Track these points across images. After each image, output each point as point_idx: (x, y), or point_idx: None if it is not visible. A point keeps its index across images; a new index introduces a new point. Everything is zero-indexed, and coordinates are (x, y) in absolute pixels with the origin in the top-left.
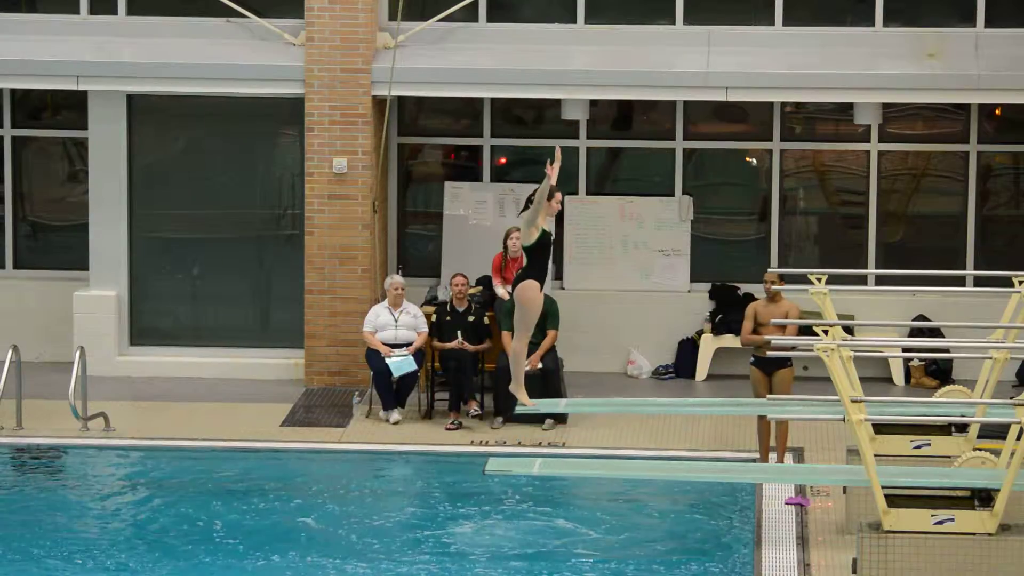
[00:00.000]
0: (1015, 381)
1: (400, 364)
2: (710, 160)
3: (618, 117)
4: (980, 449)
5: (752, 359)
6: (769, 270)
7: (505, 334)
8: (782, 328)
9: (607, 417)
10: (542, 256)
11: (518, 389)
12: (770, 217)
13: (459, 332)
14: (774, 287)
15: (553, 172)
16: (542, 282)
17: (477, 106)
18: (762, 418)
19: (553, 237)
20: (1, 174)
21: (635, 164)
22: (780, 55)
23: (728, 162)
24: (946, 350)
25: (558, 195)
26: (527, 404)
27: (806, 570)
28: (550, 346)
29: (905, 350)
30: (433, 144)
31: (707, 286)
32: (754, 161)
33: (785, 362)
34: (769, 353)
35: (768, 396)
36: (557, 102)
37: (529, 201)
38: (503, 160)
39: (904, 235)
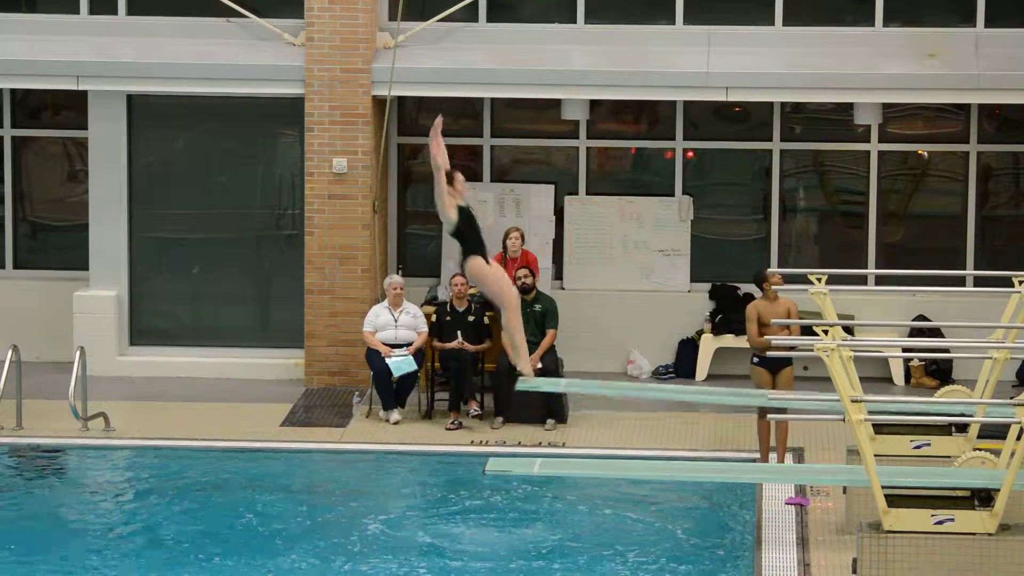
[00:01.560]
0: (1015, 381)
1: (400, 364)
2: (710, 160)
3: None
4: (980, 449)
5: (755, 359)
6: (770, 270)
7: (504, 335)
8: (786, 327)
9: (607, 417)
10: (470, 230)
11: (519, 359)
12: (770, 217)
13: (459, 332)
14: (775, 287)
15: (436, 145)
16: (484, 254)
17: (477, 106)
18: (762, 418)
19: (470, 205)
20: (1, 174)
21: (635, 164)
22: (780, 55)
23: (728, 162)
24: (946, 350)
25: (459, 176)
26: (529, 374)
27: (806, 570)
28: (549, 345)
29: (905, 350)
30: None
31: (707, 286)
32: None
33: (788, 360)
34: (771, 353)
35: (770, 395)
36: (557, 102)
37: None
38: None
39: (904, 235)
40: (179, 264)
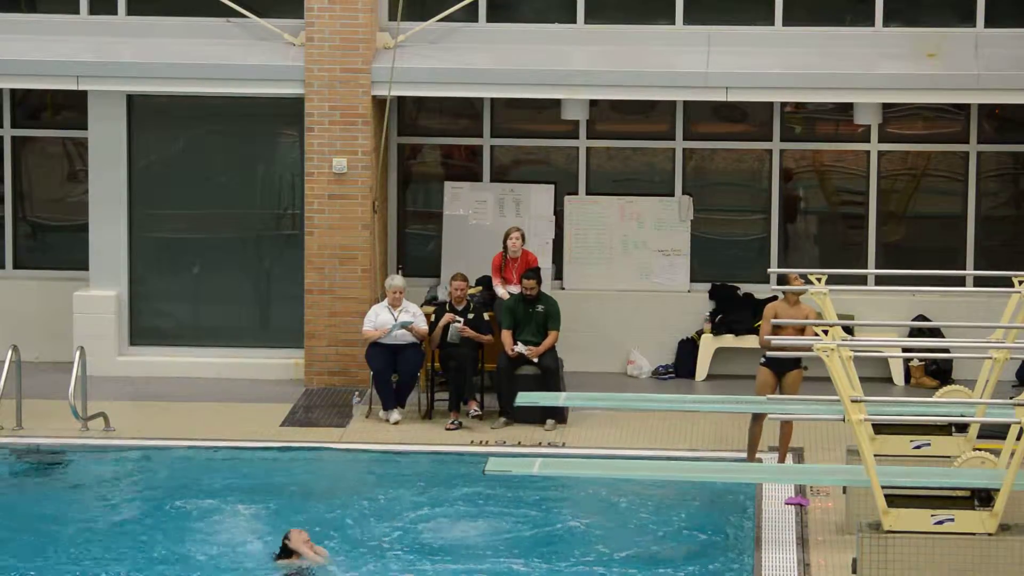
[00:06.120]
0: (1015, 381)
1: (401, 323)
2: (710, 160)
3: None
4: (980, 449)
5: (763, 359)
6: (786, 271)
7: (505, 332)
8: (799, 330)
9: (607, 417)
10: None
11: None
12: (770, 217)
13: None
14: (794, 287)
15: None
16: None
17: (477, 106)
18: (755, 421)
19: None
20: (1, 174)
21: (635, 164)
22: (780, 55)
23: (728, 162)
24: (946, 350)
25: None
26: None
27: (806, 570)
28: (551, 346)
29: (905, 350)
30: (433, 144)
31: (707, 286)
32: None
33: (797, 363)
34: (771, 354)
35: (769, 397)
36: (557, 102)
37: None
38: None
39: (904, 235)
40: (179, 264)
